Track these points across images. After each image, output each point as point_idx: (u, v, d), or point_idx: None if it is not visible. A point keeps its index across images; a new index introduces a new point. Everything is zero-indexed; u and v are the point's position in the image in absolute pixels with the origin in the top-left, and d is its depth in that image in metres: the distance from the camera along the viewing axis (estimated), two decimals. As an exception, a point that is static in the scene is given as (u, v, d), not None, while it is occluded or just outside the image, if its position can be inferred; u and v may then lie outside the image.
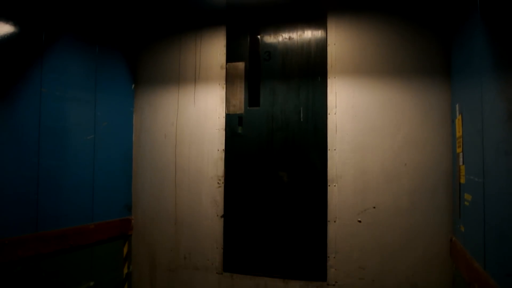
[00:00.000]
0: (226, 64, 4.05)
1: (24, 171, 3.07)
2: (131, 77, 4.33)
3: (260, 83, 3.94)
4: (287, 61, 3.86)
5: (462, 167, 2.81)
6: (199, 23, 4.19)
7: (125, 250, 4.18)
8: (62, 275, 3.39)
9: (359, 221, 3.55)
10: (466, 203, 2.70)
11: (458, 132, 2.93)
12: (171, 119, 4.24)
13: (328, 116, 3.69)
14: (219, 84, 4.06)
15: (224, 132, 4.02)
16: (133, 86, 4.35)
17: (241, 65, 4.00)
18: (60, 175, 3.39)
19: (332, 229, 3.62)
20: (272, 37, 3.94)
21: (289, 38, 3.87)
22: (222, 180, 4.00)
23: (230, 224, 3.96)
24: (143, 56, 4.39)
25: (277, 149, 3.85)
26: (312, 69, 3.78)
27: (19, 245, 2.99)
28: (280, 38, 3.90)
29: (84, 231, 3.59)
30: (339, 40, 3.71)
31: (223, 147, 4.02)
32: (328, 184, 3.66)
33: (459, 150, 2.92)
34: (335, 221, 3.62)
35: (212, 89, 4.10)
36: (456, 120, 3.03)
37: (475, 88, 2.43)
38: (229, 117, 4.02)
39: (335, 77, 3.69)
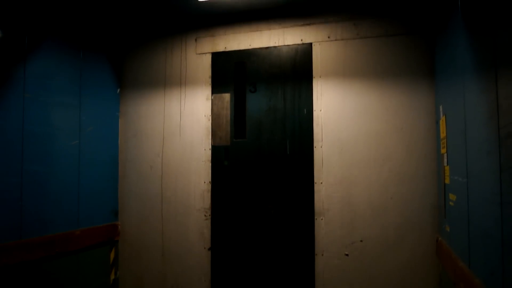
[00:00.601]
0: (212, 95, 4.03)
1: (7, 177, 3.03)
2: (116, 81, 4.30)
3: (246, 115, 3.92)
4: (274, 93, 3.85)
5: (447, 168, 2.84)
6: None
7: (112, 256, 4.14)
8: (48, 283, 3.34)
9: (346, 255, 3.55)
10: (451, 203, 2.73)
11: (442, 133, 2.97)
12: (156, 150, 4.20)
13: (315, 149, 3.68)
14: (204, 116, 4.04)
15: (210, 164, 3.99)
16: (118, 90, 4.32)
17: (226, 96, 3.98)
18: (45, 181, 3.35)
19: (320, 262, 3.62)
20: (258, 67, 3.92)
21: (275, 68, 3.87)
22: (209, 213, 3.97)
23: (217, 257, 3.93)
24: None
25: (264, 182, 3.83)
26: (298, 101, 3.78)
27: (3, 252, 2.94)
28: (266, 67, 3.89)
29: (70, 237, 3.54)
30: (323, 65, 3.74)
31: (209, 179, 3.99)
32: (315, 217, 3.65)
33: (443, 151, 2.96)
34: (322, 254, 3.61)
35: (197, 119, 4.07)
36: (440, 121, 3.06)
37: (458, 88, 2.46)
38: (215, 149, 3.99)
39: (321, 110, 3.69)
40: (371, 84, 3.58)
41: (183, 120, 4.13)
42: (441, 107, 3.07)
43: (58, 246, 3.41)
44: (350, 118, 3.61)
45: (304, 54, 3.80)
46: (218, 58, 4.05)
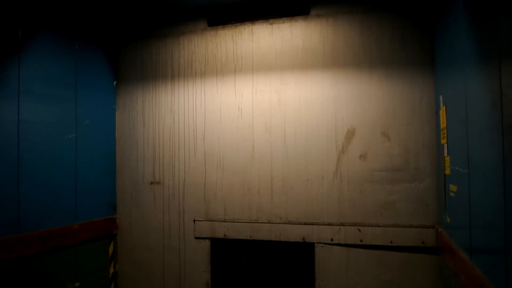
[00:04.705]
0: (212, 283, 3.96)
1: (3, 172, 2.99)
2: (112, 74, 4.25)
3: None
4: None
5: (447, 158, 2.81)
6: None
7: (111, 249, 4.12)
8: (47, 277, 3.33)
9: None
10: (451, 194, 2.71)
11: (443, 124, 2.94)
12: None
13: None
14: None
15: None
16: (115, 83, 4.27)
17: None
18: (41, 175, 3.31)
19: None
20: (258, 259, 3.86)
21: (276, 263, 3.81)
22: None
23: None
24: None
25: None
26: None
27: (1, 247, 2.91)
28: (267, 262, 3.82)
29: (68, 231, 3.52)
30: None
31: None
32: None
33: (443, 141, 2.93)
34: None
35: None
36: (440, 112, 3.03)
37: (459, 78, 2.43)
38: None
39: None
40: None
41: None
42: (441, 97, 3.04)
43: (56, 241, 3.38)
44: None
45: (305, 254, 3.69)
46: (218, 245, 3.95)
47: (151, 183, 4.16)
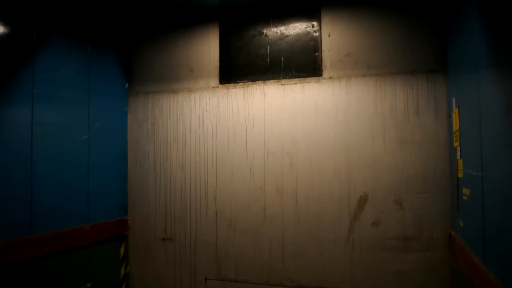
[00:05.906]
0: None
1: (17, 174, 3.03)
2: (124, 76, 4.29)
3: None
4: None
5: (460, 161, 2.78)
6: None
7: (122, 250, 4.15)
8: (59, 277, 3.36)
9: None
10: (464, 197, 2.68)
11: (455, 126, 2.91)
12: None
13: None
14: None
15: None
16: (126, 85, 4.31)
17: None
18: (54, 177, 3.35)
19: None
20: None
21: None
22: None
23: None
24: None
25: None
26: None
27: (14, 248, 2.95)
28: None
29: (80, 232, 3.55)
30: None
31: None
32: None
33: (456, 144, 2.90)
34: None
35: None
36: (453, 114, 3.00)
37: (472, 80, 2.40)
38: None
39: None
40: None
41: None
42: (453, 100, 3.01)
43: (68, 241, 3.42)
44: None
45: None
46: None
47: (163, 239, 4.16)
